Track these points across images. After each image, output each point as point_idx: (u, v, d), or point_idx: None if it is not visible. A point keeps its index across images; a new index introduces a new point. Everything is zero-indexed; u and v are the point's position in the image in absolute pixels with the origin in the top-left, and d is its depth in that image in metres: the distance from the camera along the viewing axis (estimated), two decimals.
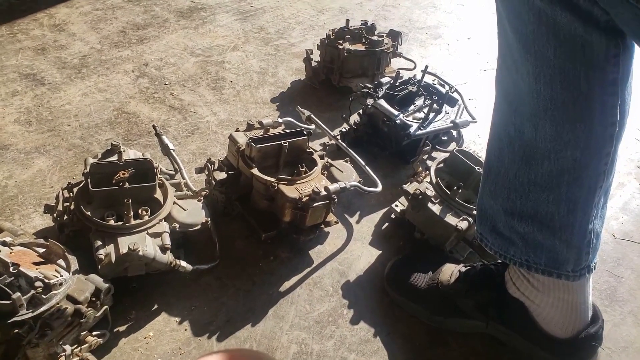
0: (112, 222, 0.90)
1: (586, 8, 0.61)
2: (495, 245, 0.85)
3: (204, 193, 1.05)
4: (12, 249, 0.83)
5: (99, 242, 0.87)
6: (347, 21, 1.57)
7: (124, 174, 0.94)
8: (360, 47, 1.50)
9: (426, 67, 1.36)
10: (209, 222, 0.99)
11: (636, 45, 0.64)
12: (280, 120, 1.17)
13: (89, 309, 0.79)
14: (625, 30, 0.61)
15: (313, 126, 1.29)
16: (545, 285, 0.84)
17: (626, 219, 1.26)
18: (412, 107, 1.31)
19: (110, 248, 0.87)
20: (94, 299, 0.81)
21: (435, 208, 1.04)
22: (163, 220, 0.94)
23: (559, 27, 0.64)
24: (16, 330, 0.72)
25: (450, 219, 1.02)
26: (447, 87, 1.37)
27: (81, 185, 0.97)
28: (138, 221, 0.91)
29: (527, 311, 0.87)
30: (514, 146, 0.77)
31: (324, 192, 0.98)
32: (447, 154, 1.14)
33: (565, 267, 0.80)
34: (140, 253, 0.84)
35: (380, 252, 1.11)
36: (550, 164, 0.73)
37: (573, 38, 0.64)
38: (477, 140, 1.46)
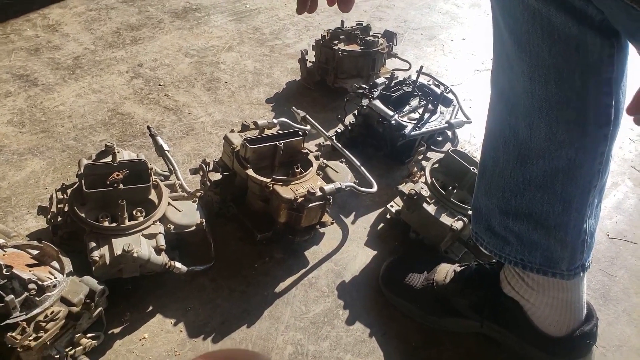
0: (106, 224, 0.90)
1: (581, 8, 0.62)
2: (491, 244, 0.85)
3: (198, 194, 1.05)
4: (5, 251, 0.82)
5: (93, 244, 0.86)
6: (342, 22, 1.57)
7: (118, 175, 0.94)
8: (355, 47, 1.50)
9: (421, 67, 1.36)
10: (204, 223, 0.98)
11: (631, 45, 0.65)
12: (275, 120, 1.17)
13: (83, 311, 0.79)
14: (620, 30, 0.62)
15: (308, 127, 1.29)
16: (540, 284, 0.84)
17: (620, 219, 1.27)
18: (407, 107, 1.31)
19: (104, 249, 0.86)
20: (88, 300, 0.81)
21: (430, 208, 1.04)
22: (158, 222, 0.94)
23: (553, 27, 0.64)
24: (9, 333, 0.72)
25: (445, 219, 1.02)
26: (442, 88, 1.37)
27: (75, 186, 0.96)
28: (132, 222, 0.91)
29: (522, 310, 0.87)
30: (508, 146, 0.77)
31: (319, 193, 0.98)
32: (442, 155, 1.15)
33: (560, 265, 0.80)
34: (135, 254, 0.84)
35: (375, 252, 1.11)
36: (545, 163, 0.74)
37: (568, 38, 0.64)
38: (472, 141, 1.46)
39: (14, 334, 0.72)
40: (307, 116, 1.30)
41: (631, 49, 0.66)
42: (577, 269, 0.80)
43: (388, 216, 1.16)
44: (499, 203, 0.81)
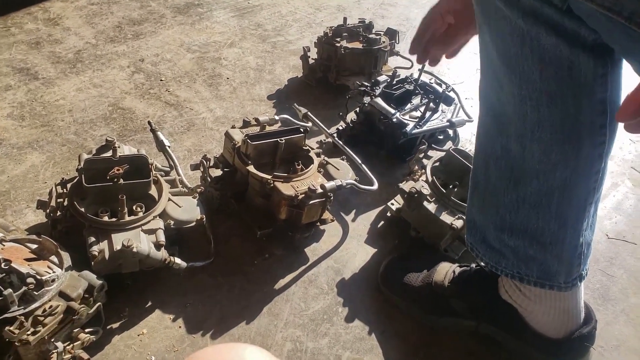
0: (106, 219, 0.90)
1: (572, 29, 0.59)
2: (487, 256, 0.84)
3: (199, 190, 1.04)
4: (3, 245, 0.82)
5: (93, 239, 0.86)
6: (345, 19, 1.57)
7: (118, 170, 0.94)
8: (357, 45, 1.50)
9: (423, 66, 1.36)
10: (204, 219, 0.98)
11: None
12: (276, 117, 1.17)
13: (82, 305, 0.78)
14: (618, 50, 0.59)
15: (310, 124, 1.29)
16: (537, 295, 0.83)
17: (619, 219, 1.27)
18: (408, 105, 1.31)
19: (104, 244, 0.86)
20: (87, 295, 0.81)
21: (431, 206, 1.04)
22: (158, 217, 0.93)
23: (544, 49, 0.62)
24: (7, 327, 0.72)
25: (446, 218, 1.02)
26: (443, 86, 1.37)
27: (75, 180, 0.96)
28: (132, 217, 0.90)
29: (519, 315, 0.87)
30: (500, 163, 0.75)
31: (320, 190, 0.97)
32: (443, 153, 1.14)
33: (557, 279, 0.79)
34: (134, 250, 0.84)
35: (375, 250, 1.11)
36: (540, 183, 0.72)
37: (559, 60, 0.62)
38: (473, 139, 1.46)
39: (11, 328, 0.71)
40: (309, 113, 1.30)
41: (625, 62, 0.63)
42: (574, 280, 0.79)
43: (388, 214, 1.16)
44: (493, 219, 0.80)
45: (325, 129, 1.28)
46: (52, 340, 0.76)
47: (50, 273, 0.79)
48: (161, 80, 1.55)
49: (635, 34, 0.50)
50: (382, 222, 1.17)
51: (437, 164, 1.14)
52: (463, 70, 1.78)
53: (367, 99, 1.30)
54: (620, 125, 0.63)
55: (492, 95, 0.74)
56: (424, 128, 1.24)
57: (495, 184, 0.77)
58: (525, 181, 0.73)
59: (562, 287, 0.80)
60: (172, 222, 0.95)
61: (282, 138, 1.04)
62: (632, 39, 0.52)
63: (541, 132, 0.68)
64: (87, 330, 0.82)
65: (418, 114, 1.28)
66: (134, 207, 0.93)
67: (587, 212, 0.74)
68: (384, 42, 1.51)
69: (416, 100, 1.33)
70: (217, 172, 1.13)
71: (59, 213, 0.96)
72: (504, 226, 0.79)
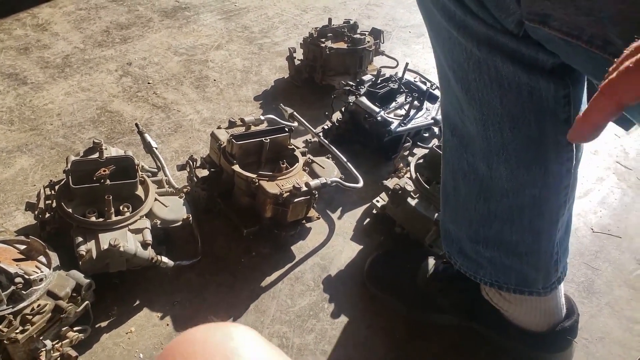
0: (93, 219, 0.91)
1: (530, 55, 0.58)
2: (464, 265, 0.85)
3: (185, 190, 1.06)
4: None
5: (80, 239, 0.87)
6: (330, 20, 1.58)
7: (105, 170, 0.95)
8: (342, 45, 1.51)
9: (407, 64, 1.38)
10: (190, 218, 0.99)
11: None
12: (262, 117, 1.18)
13: (70, 304, 0.80)
14: (581, 70, 0.58)
15: (295, 123, 1.30)
16: (517, 298, 0.84)
17: (604, 213, 1.29)
18: (393, 104, 1.32)
19: (91, 244, 0.87)
20: (74, 294, 0.82)
21: (415, 203, 1.05)
22: (144, 217, 0.95)
23: (501, 76, 0.61)
24: None
25: (430, 213, 1.03)
26: (428, 85, 1.39)
27: (62, 182, 0.97)
28: (119, 217, 0.91)
29: (502, 314, 0.88)
30: (468, 179, 0.75)
31: (304, 188, 0.99)
32: (427, 150, 1.16)
33: (536, 285, 0.80)
34: (121, 249, 0.85)
35: (361, 247, 1.12)
36: (509, 200, 0.72)
37: (518, 86, 0.60)
38: None
39: (0, 327, 0.73)
40: (295, 113, 1.31)
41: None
42: (552, 284, 0.80)
43: (374, 211, 1.18)
44: (467, 232, 0.80)
45: (311, 128, 1.29)
46: (41, 338, 0.77)
47: (38, 273, 0.80)
48: (149, 83, 1.56)
49: (596, 56, 0.49)
50: (368, 220, 1.19)
51: (420, 161, 1.16)
52: None
53: (352, 98, 1.31)
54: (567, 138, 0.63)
55: (454, 115, 0.73)
56: (409, 126, 1.26)
57: (465, 198, 0.77)
58: (495, 198, 0.73)
59: (541, 292, 0.81)
60: (158, 222, 0.96)
61: (267, 137, 1.05)
62: (593, 61, 0.50)
63: (506, 154, 0.67)
64: (75, 328, 0.83)
65: (403, 112, 1.30)
66: (121, 207, 0.94)
67: (560, 223, 0.74)
68: (368, 42, 1.52)
69: (401, 99, 1.34)
70: (203, 173, 1.14)
71: (47, 214, 0.97)
72: (478, 239, 0.79)
